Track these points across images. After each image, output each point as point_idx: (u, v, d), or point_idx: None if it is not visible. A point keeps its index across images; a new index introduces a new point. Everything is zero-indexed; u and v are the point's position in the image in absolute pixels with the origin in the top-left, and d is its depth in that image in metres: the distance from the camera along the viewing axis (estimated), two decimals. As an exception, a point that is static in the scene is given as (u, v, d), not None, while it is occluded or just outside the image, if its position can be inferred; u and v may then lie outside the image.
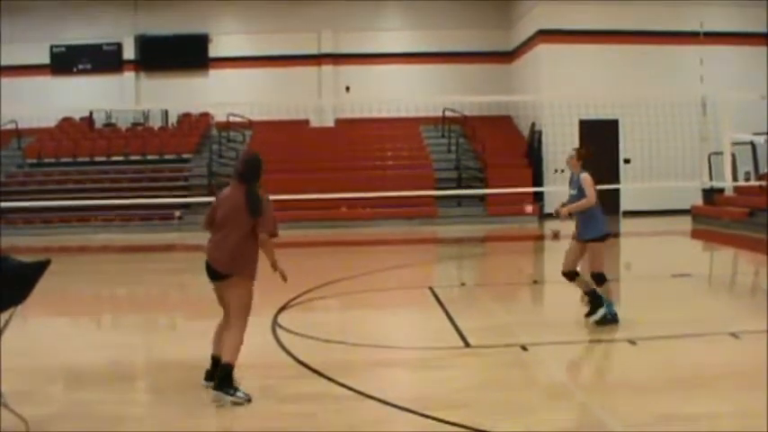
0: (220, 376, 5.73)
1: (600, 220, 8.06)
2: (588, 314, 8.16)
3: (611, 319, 7.92)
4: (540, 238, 18.58)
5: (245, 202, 5.85)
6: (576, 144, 22.40)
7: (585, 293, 8.25)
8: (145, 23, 26.69)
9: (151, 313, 10.32)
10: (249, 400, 5.67)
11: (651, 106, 19.89)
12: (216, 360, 5.99)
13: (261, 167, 6.01)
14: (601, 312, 8.00)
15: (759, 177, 20.16)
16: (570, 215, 8.12)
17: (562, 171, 22.31)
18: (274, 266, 5.96)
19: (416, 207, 21.53)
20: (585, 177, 8.09)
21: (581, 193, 8.05)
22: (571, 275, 8.21)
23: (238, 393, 5.68)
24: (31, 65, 26.30)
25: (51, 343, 8.13)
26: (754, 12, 22.84)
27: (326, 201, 19.76)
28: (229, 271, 5.91)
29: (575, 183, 8.21)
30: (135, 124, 26.54)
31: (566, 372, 6.47)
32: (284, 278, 6.00)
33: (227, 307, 6.08)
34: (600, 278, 8.00)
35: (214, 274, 6.01)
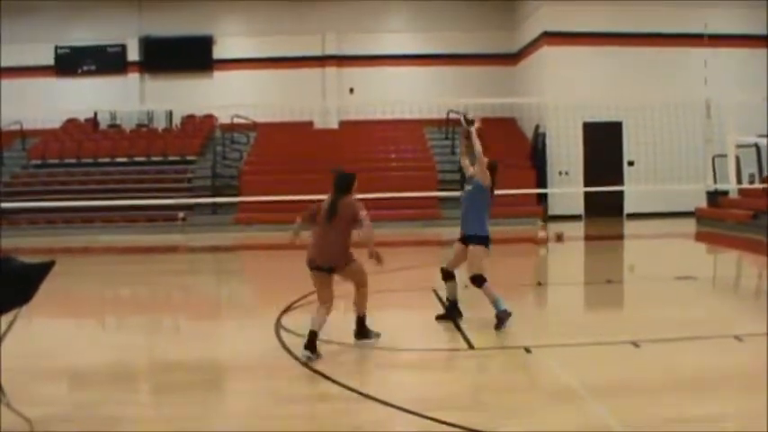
0: (359, 327, 7.43)
1: (485, 224, 8.18)
2: (440, 317, 8.47)
3: (503, 316, 7.96)
4: (544, 240, 18.55)
5: (330, 208, 7.25)
6: (581, 146, 22.58)
7: (448, 299, 8.53)
8: (149, 25, 26.75)
9: (154, 314, 10.32)
10: (378, 335, 7.39)
11: (655, 108, 19.88)
12: (313, 333, 6.91)
13: (352, 182, 7.54)
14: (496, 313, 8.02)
15: (763, 180, 20.14)
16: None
17: (566, 173, 22.52)
18: (371, 254, 7.10)
19: (420, 209, 21.53)
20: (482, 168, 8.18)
21: (476, 189, 8.18)
22: (447, 274, 8.47)
23: (373, 335, 7.42)
24: (36, 66, 26.38)
25: (55, 344, 8.14)
26: (759, 14, 22.81)
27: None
28: (332, 265, 7.11)
29: (472, 180, 8.31)
30: (139, 125, 26.59)
31: (569, 374, 6.45)
32: (380, 260, 7.16)
33: (323, 290, 7.14)
34: (478, 280, 8.08)
35: (317, 267, 7.14)
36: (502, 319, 7.95)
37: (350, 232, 7.23)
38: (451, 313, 8.43)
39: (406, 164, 23.80)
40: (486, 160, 8.17)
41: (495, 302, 8.01)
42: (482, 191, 8.19)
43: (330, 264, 7.12)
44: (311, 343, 6.82)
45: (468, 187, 8.35)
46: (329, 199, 7.37)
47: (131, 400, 6.13)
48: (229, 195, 21.62)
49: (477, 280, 8.06)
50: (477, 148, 8.14)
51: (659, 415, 5.31)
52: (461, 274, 8.47)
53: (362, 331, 7.44)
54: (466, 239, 8.27)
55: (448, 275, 8.45)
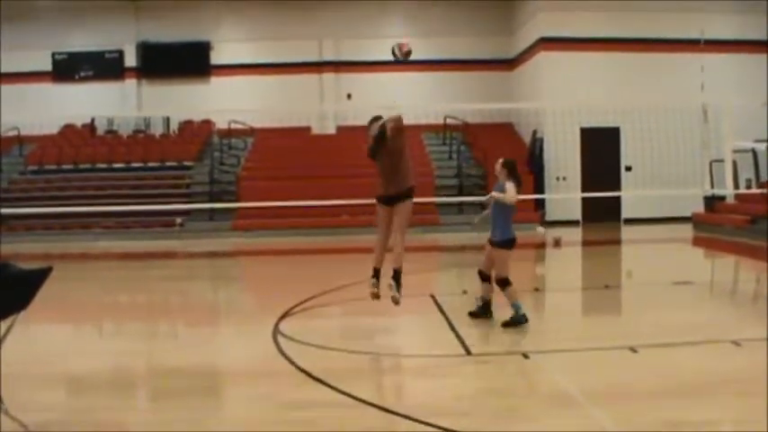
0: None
1: (510, 228, 8.59)
2: (471, 313, 8.77)
3: (519, 320, 8.28)
4: (542, 245, 18.56)
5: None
6: (578, 152, 22.61)
7: (482, 297, 8.79)
8: (146, 31, 26.76)
9: (152, 320, 10.30)
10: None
11: (652, 114, 19.89)
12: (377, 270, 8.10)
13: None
14: (507, 318, 8.36)
15: (760, 185, 20.16)
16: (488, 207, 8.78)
17: (564, 179, 22.54)
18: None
19: (418, 214, 21.31)
20: (510, 186, 8.55)
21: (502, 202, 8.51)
22: (484, 276, 8.78)
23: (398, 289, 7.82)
24: (33, 72, 26.35)
25: (53, 350, 8.13)
26: (755, 19, 22.86)
27: (328, 208, 19.78)
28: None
29: (499, 187, 8.62)
30: (136, 131, 26.58)
31: (567, 379, 6.45)
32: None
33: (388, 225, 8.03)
34: (503, 282, 8.41)
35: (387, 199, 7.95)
36: (517, 321, 8.24)
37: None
38: (484, 311, 8.73)
39: (403, 169, 23.73)
40: (512, 192, 8.54)
41: (514, 305, 8.35)
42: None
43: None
44: None
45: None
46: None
47: (129, 406, 6.12)
48: (227, 201, 21.61)
49: (501, 282, 8.41)
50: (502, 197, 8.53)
51: (657, 420, 5.31)
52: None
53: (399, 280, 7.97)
54: (492, 243, 8.61)
55: (484, 277, 8.76)
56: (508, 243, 8.51)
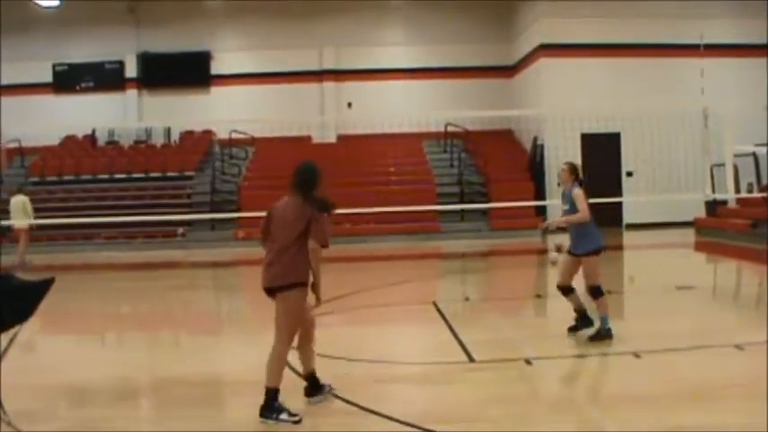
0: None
1: (594, 234, 8.06)
2: (572, 329, 8.21)
3: (605, 335, 7.84)
4: (544, 252, 18.54)
5: (295, 212, 5.89)
6: (579, 158, 22.60)
7: (575, 310, 8.25)
8: (147, 41, 26.83)
9: (155, 330, 10.31)
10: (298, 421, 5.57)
11: (653, 119, 19.89)
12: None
13: (315, 176, 6.19)
14: (593, 329, 7.97)
15: (762, 189, 20.14)
16: (563, 228, 8.12)
17: (564, 184, 22.49)
18: (315, 281, 5.91)
19: (419, 222, 21.52)
20: (578, 193, 8.11)
21: (573, 208, 8.10)
22: (565, 290, 8.21)
23: (282, 416, 5.59)
24: (34, 83, 26.43)
25: (55, 360, 8.13)
26: (754, 24, 22.88)
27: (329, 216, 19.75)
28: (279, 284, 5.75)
29: (567, 197, 8.27)
30: (137, 142, 26.63)
31: (570, 386, 6.45)
32: (318, 301, 6.01)
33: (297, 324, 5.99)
34: (596, 291, 7.95)
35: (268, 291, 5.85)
36: (605, 336, 7.82)
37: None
38: (585, 323, 8.19)
39: (404, 177, 23.81)
40: (581, 193, 8.16)
41: (602, 318, 7.91)
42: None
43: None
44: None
45: (565, 207, 8.34)
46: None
47: (133, 416, 6.12)
48: (228, 211, 21.62)
49: (594, 291, 7.95)
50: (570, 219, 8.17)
51: (661, 425, 5.30)
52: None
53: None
54: (573, 253, 8.15)
55: (566, 290, 8.24)
56: (595, 251, 7.99)
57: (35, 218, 18.14)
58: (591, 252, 7.97)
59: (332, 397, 6.07)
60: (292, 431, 5.51)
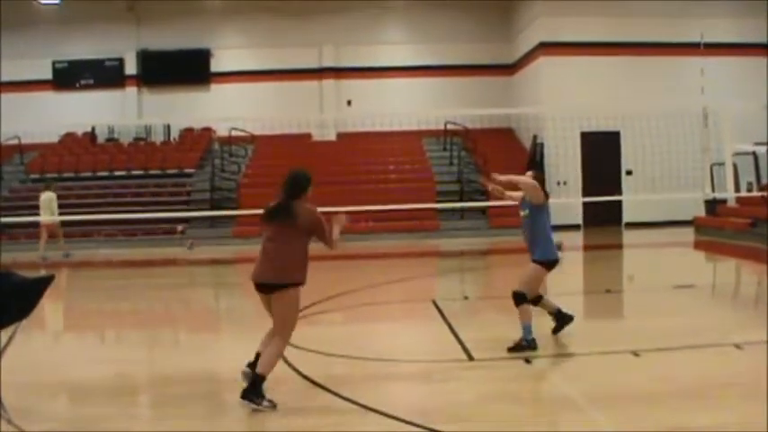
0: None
1: (551, 245, 7.97)
2: (555, 330, 8.16)
3: (526, 346, 7.47)
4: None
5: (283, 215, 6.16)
6: (579, 156, 22.61)
7: (550, 314, 8.20)
8: (147, 39, 26.83)
9: (154, 328, 10.30)
10: (274, 407, 5.76)
11: (652, 118, 19.88)
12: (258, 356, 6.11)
13: (304, 183, 6.46)
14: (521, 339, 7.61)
15: (761, 188, 20.15)
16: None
17: (564, 183, 22.50)
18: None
19: (419, 220, 21.53)
20: (528, 177, 8.05)
21: (532, 213, 8.00)
22: (535, 300, 8.04)
23: (264, 403, 5.75)
24: (34, 80, 26.44)
25: (54, 358, 8.13)
26: (754, 23, 22.90)
27: (328, 214, 19.75)
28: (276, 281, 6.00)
29: (525, 204, 8.12)
30: (137, 139, 26.63)
31: (569, 384, 6.45)
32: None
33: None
34: (519, 297, 7.67)
35: (261, 287, 6.14)
36: (522, 347, 7.47)
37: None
38: (563, 321, 8.15)
39: (404, 175, 23.81)
40: (531, 181, 7.96)
41: (524, 327, 7.58)
42: (539, 211, 8.04)
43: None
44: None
45: (524, 212, 8.14)
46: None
47: (132, 414, 6.12)
48: (228, 208, 21.61)
49: (517, 297, 7.70)
50: (517, 179, 8.02)
51: (660, 424, 5.30)
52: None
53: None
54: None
55: (536, 300, 8.04)
56: (547, 262, 7.87)
57: (34, 215, 18.38)
58: (543, 261, 7.83)
59: (329, 393, 6.04)
60: (292, 430, 5.52)
